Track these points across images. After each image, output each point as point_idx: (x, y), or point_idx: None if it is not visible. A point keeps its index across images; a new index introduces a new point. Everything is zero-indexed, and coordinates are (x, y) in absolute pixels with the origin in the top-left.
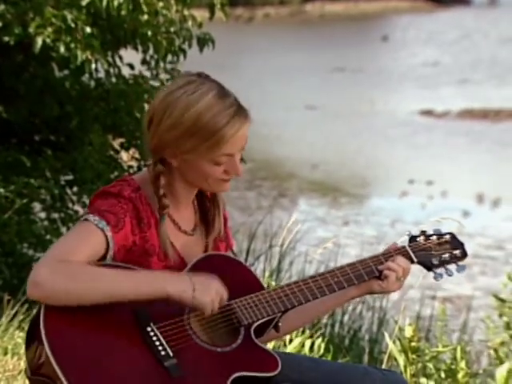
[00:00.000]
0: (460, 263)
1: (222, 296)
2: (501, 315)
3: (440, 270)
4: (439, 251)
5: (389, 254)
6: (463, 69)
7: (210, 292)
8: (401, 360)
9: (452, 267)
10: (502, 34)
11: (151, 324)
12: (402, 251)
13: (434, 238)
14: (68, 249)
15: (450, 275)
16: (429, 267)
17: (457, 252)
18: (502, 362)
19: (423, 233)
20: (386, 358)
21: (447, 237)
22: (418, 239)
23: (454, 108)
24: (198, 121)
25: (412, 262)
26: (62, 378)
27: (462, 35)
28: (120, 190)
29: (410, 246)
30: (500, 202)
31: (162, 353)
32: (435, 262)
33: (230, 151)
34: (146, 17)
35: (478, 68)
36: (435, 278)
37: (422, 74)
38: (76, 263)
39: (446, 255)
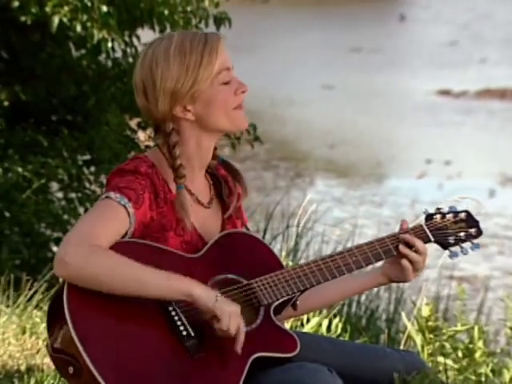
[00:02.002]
0: (475, 241)
1: (240, 323)
2: None
3: (455, 249)
4: (455, 230)
5: (406, 233)
6: (481, 48)
7: (230, 307)
8: (418, 339)
9: (467, 245)
10: None
11: (173, 304)
12: (418, 230)
13: (450, 216)
14: (95, 229)
15: (465, 254)
16: (445, 246)
17: (472, 230)
18: None
19: (439, 210)
20: (404, 338)
21: (462, 215)
22: (434, 217)
23: (472, 88)
24: (185, 52)
25: (429, 241)
26: (84, 355)
27: (480, 15)
28: (136, 167)
29: (426, 225)
30: None
31: (184, 333)
32: (451, 240)
33: (225, 64)
34: None
35: (495, 48)
36: (450, 256)
37: (440, 54)
38: (106, 250)
39: (462, 234)
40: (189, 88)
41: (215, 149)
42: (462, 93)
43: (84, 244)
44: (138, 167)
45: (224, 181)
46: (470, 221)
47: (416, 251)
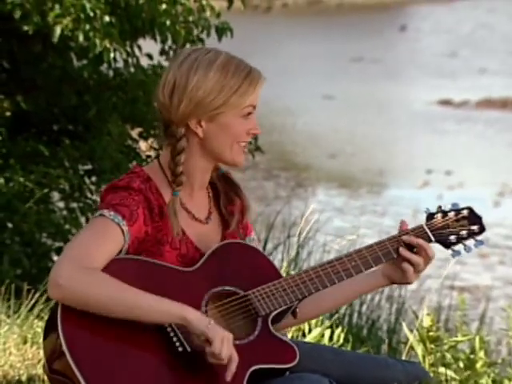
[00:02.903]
0: (478, 238)
1: (232, 350)
2: None
3: (458, 247)
4: (457, 228)
5: (406, 234)
6: (481, 58)
7: (223, 332)
8: (419, 350)
9: (470, 243)
10: None
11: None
12: (419, 231)
13: (452, 214)
14: (89, 249)
15: (468, 251)
16: (447, 245)
17: (475, 228)
18: None
19: (440, 209)
20: (406, 348)
21: (465, 212)
22: (435, 216)
23: (473, 97)
24: (227, 72)
25: (430, 241)
26: (78, 375)
27: (480, 25)
28: (128, 182)
29: (427, 225)
30: None
31: (180, 349)
32: (453, 239)
33: (254, 101)
34: (164, 6)
35: (496, 57)
36: (453, 255)
37: (440, 64)
38: (99, 273)
39: (464, 232)
40: (216, 107)
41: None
42: (462, 103)
43: (78, 266)
44: (131, 183)
45: (224, 191)
46: (473, 217)
47: (418, 252)
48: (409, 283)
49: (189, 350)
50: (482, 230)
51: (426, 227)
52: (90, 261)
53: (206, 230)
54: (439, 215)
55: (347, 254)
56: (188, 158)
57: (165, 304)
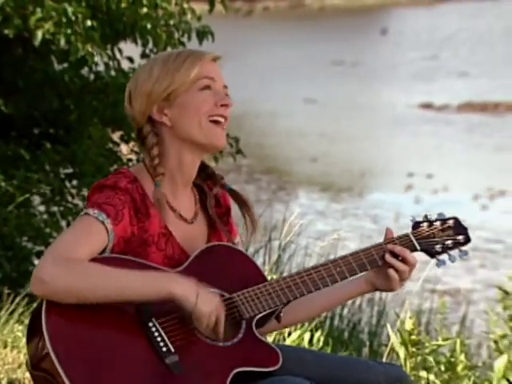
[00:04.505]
0: (463, 248)
1: (220, 315)
2: (505, 308)
3: (443, 257)
4: (442, 237)
5: (392, 242)
6: (462, 62)
7: (211, 305)
8: (401, 353)
9: (455, 253)
10: (502, 27)
11: (153, 319)
12: (404, 239)
13: (438, 223)
14: (72, 245)
15: (452, 261)
16: (432, 254)
17: (460, 238)
18: (502, 354)
19: (426, 218)
20: (387, 350)
21: (451, 222)
22: (421, 225)
23: (454, 101)
24: (169, 59)
25: (415, 249)
26: (62, 374)
27: (461, 28)
28: (116, 182)
29: (413, 234)
30: (499, 195)
31: (164, 349)
32: (438, 248)
33: (207, 73)
34: (145, 10)
35: (477, 61)
36: (438, 264)
37: (421, 67)
38: (81, 262)
39: (449, 242)
40: (164, 88)
41: (222, 178)
42: (443, 106)
43: (61, 262)
44: (118, 182)
45: (210, 192)
46: (458, 228)
47: (403, 261)
48: (392, 291)
49: (173, 350)
50: (468, 240)
51: (411, 236)
52: (72, 255)
53: (191, 230)
54: (425, 224)
55: (332, 260)
56: (166, 152)
57: (151, 280)
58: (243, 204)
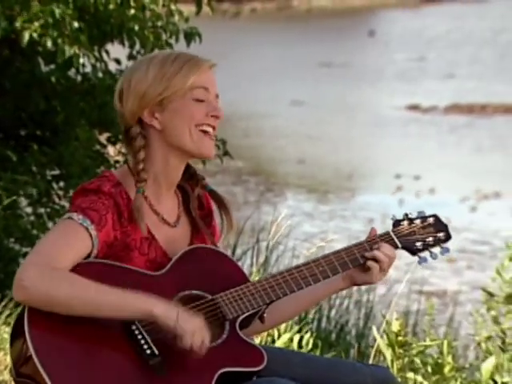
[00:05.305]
0: (444, 245)
1: (204, 337)
2: (489, 309)
3: (424, 254)
4: (423, 235)
5: (373, 241)
6: (449, 64)
7: (193, 324)
8: (388, 354)
9: (436, 250)
10: (488, 28)
11: (136, 322)
12: (385, 237)
13: (418, 221)
14: (56, 252)
15: (434, 258)
16: (413, 252)
17: (441, 235)
18: (489, 356)
19: (407, 216)
20: (373, 352)
21: (431, 220)
22: (402, 223)
23: (441, 103)
24: (166, 62)
25: (396, 247)
26: (46, 378)
27: (447, 30)
28: (99, 186)
29: (393, 232)
30: (486, 197)
31: (148, 351)
32: (419, 246)
33: (204, 83)
34: (132, 11)
35: (463, 63)
36: (419, 262)
37: (409, 69)
38: (64, 273)
39: (430, 239)
40: (159, 93)
41: (203, 178)
42: (430, 108)
43: (43, 267)
44: (102, 187)
45: (193, 194)
46: (439, 225)
47: (384, 254)
48: (372, 283)
49: (156, 353)
50: (448, 237)
51: (392, 234)
52: (55, 262)
53: (174, 233)
54: (405, 222)
55: (314, 260)
56: (152, 155)
57: (130, 300)
58: (221, 204)
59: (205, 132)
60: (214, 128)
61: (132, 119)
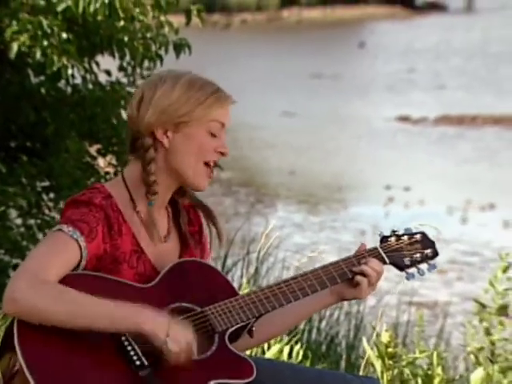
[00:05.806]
0: (431, 262)
1: (191, 351)
2: (481, 320)
3: (412, 270)
4: (411, 251)
5: (361, 256)
6: (439, 75)
7: (180, 344)
8: (378, 366)
9: (423, 266)
10: (478, 40)
11: (126, 334)
12: (373, 252)
13: (405, 237)
14: (45, 264)
15: (421, 275)
16: (401, 267)
17: (428, 251)
18: (479, 367)
19: (394, 233)
20: (363, 363)
21: (418, 236)
22: (389, 239)
23: (431, 114)
24: (193, 86)
25: (384, 263)
26: None
27: (437, 42)
28: (90, 198)
29: (381, 247)
30: (476, 208)
31: (138, 362)
32: (407, 262)
33: (222, 119)
34: (122, 23)
35: (453, 74)
36: (407, 278)
37: (399, 80)
38: (55, 286)
39: (418, 255)
40: (179, 115)
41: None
42: (420, 119)
43: (33, 280)
44: (93, 199)
45: (185, 210)
46: (426, 242)
47: (372, 268)
48: (361, 298)
49: (146, 364)
50: (435, 254)
51: (380, 249)
52: (45, 275)
53: (164, 248)
54: (393, 238)
55: (302, 274)
56: (156, 171)
57: (120, 314)
58: (208, 215)
59: (207, 165)
60: (215, 163)
61: (146, 130)
